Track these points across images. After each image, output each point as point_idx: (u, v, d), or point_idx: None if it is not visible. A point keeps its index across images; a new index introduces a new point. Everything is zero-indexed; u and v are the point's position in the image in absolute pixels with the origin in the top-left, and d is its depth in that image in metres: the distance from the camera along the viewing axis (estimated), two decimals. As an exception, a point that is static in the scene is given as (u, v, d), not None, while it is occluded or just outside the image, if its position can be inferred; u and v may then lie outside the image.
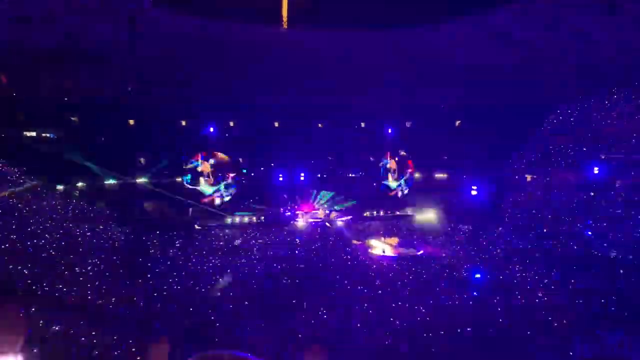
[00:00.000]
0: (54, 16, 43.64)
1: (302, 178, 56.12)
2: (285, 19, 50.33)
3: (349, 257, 37.84)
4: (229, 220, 50.30)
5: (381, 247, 41.03)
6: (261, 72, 54.74)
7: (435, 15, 48.48)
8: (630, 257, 32.76)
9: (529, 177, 51.13)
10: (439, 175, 58.97)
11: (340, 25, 54.12)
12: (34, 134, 50.46)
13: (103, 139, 50.97)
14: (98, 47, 48.12)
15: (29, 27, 43.71)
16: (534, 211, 45.12)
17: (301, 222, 51.19)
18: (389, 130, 57.32)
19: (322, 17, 53.29)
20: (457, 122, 62.72)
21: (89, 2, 41.63)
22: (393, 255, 39.03)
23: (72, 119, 52.59)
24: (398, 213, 53.42)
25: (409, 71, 53.54)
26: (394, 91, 56.47)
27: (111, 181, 49.99)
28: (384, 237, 42.93)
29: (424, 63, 52.63)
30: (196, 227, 48.34)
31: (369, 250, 40.53)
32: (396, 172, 56.38)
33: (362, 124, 63.79)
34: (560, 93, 49.21)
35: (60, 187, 44.62)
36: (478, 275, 30.29)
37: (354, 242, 41.98)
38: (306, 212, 52.13)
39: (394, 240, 41.59)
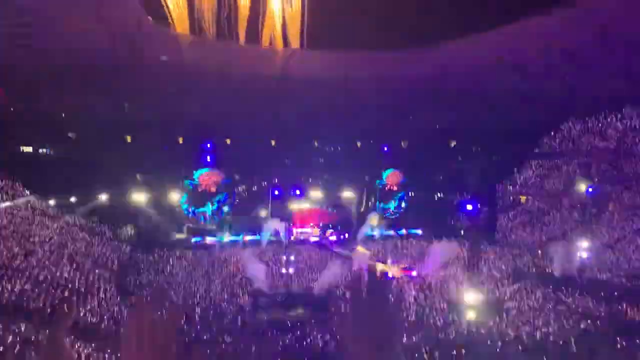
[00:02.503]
0: (54, 33, 44.01)
1: (297, 193, 55.99)
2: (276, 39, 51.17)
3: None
4: (225, 237, 49.94)
5: (384, 268, 40.74)
6: (259, 90, 55.32)
7: (429, 38, 49.57)
8: (623, 279, 32.82)
9: (523, 199, 51.34)
10: (435, 195, 59.00)
11: (338, 47, 55.21)
12: (30, 149, 50.38)
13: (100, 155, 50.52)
14: (98, 64, 48.47)
15: (28, 43, 44.00)
16: (527, 232, 45.25)
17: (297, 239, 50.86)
18: (385, 150, 57.42)
19: (319, 38, 54.37)
20: (452, 143, 63.05)
21: (88, 20, 42.08)
22: (397, 276, 38.68)
23: (70, 135, 52.58)
24: (394, 233, 53.12)
25: (404, 92, 54.22)
26: (391, 111, 56.96)
27: (106, 196, 49.67)
28: (389, 259, 42.50)
29: (420, 85, 53.31)
30: (192, 241, 48.27)
31: (373, 271, 40.03)
32: (392, 191, 56.44)
33: (358, 144, 64.10)
34: (553, 116, 49.89)
35: (53, 202, 44.36)
36: (471, 297, 30.12)
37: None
38: (302, 231, 51.86)
39: (399, 266, 41.25)
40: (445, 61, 51.60)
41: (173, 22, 44.01)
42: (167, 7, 43.24)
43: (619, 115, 46.51)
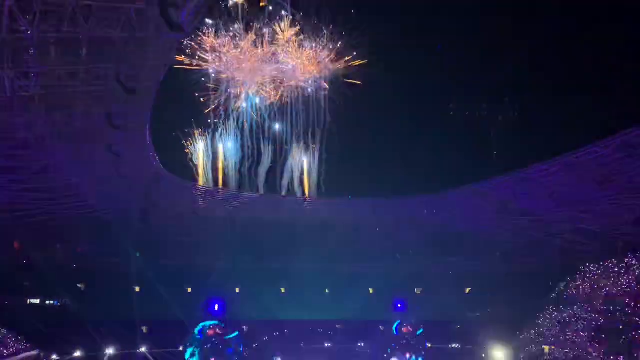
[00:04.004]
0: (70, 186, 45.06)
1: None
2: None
3: None
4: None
5: None
6: (268, 240, 55.78)
7: (442, 185, 51.25)
8: None
9: (547, 348, 48.82)
10: (453, 346, 56.52)
11: (349, 193, 56.99)
12: (37, 301, 49.65)
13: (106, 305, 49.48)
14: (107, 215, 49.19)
15: (36, 197, 44.78)
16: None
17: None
18: (399, 301, 56.12)
19: (333, 186, 56.28)
20: (467, 290, 61.86)
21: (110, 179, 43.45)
22: None
23: (79, 285, 52.09)
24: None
25: (418, 239, 54.62)
26: (403, 258, 56.92)
27: (111, 351, 47.75)
28: None
29: (433, 231, 53.91)
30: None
31: None
32: (407, 343, 54.07)
33: (370, 290, 62.84)
34: (568, 260, 49.54)
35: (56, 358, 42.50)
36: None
37: None
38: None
39: None
40: (456, 207, 52.75)
41: (196, 175, 46.43)
42: (193, 163, 46.01)
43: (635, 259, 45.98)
